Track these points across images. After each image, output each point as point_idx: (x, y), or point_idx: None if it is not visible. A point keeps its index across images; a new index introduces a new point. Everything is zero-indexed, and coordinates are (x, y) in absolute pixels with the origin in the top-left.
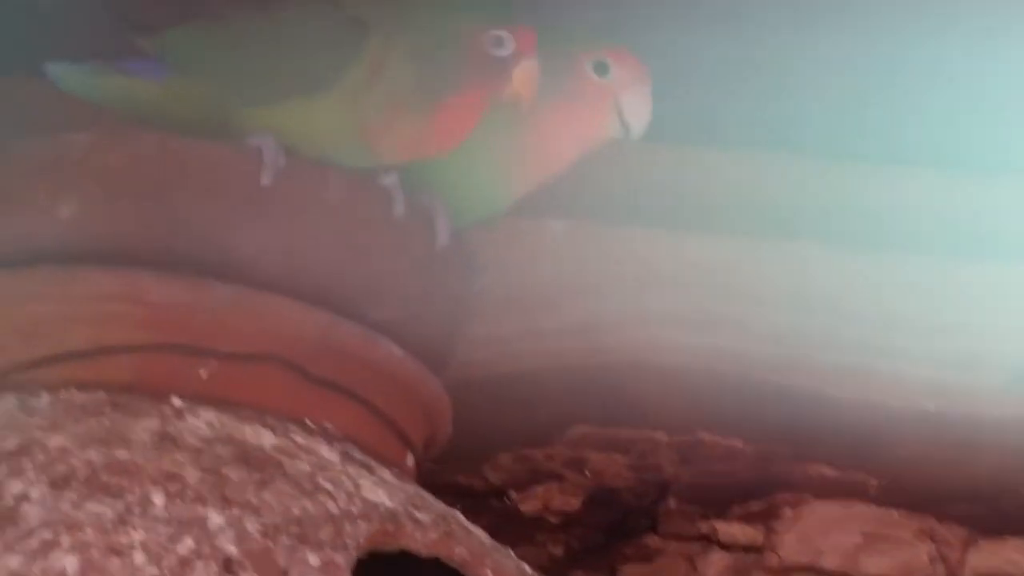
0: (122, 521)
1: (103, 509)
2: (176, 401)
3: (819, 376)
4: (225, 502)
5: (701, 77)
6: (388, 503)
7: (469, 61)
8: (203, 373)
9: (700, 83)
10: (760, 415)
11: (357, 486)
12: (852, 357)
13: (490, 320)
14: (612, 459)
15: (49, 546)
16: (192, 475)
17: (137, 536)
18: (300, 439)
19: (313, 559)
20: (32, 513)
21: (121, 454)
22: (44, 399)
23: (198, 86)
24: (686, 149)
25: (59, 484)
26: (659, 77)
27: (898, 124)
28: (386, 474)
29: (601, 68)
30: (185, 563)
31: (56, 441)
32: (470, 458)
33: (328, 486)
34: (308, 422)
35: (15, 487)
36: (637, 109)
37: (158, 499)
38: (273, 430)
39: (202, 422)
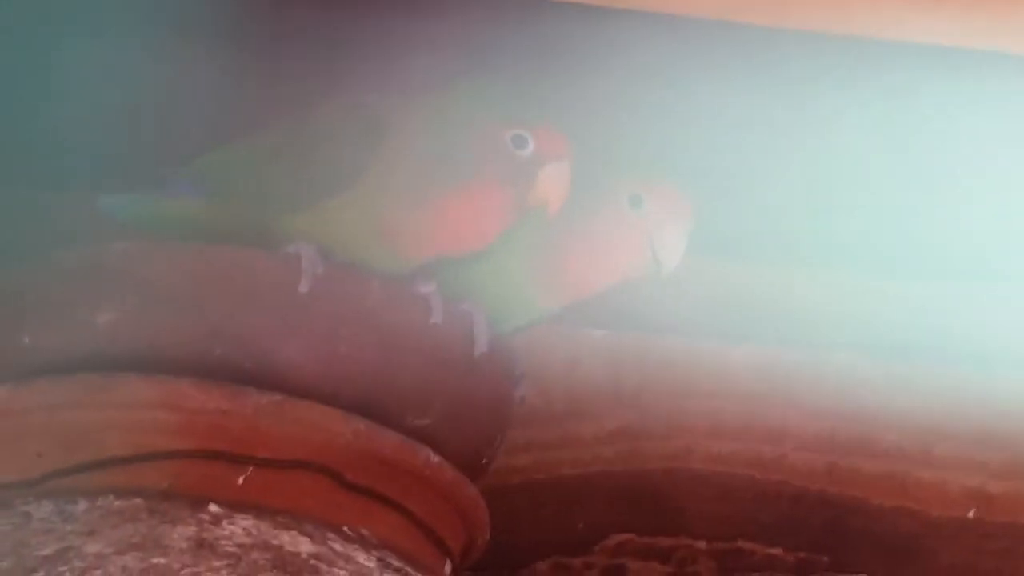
0: None
1: None
2: (213, 507)
3: (859, 484)
4: None
5: (742, 194)
6: None
7: (487, 158)
8: (240, 480)
9: (742, 199)
10: (800, 523)
11: None
12: (892, 465)
13: (529, 427)
14: (652, 567)
15: None
16: None
17: None
18: (337, 546)
19: None
20: None
21: (158, 560)
22: (82, 505)
23: (235, 201)
24: (728, 261)
25: None
26: (701, 194)
27: (937, 240)
28: None
29: (636, 201)
30: None
31: (93, 547)
32: (508, 566)
33: None
34: (346, 529)
35: None
36: (670, 246)
37: None
38: (310, 537)
39: (239, 528)
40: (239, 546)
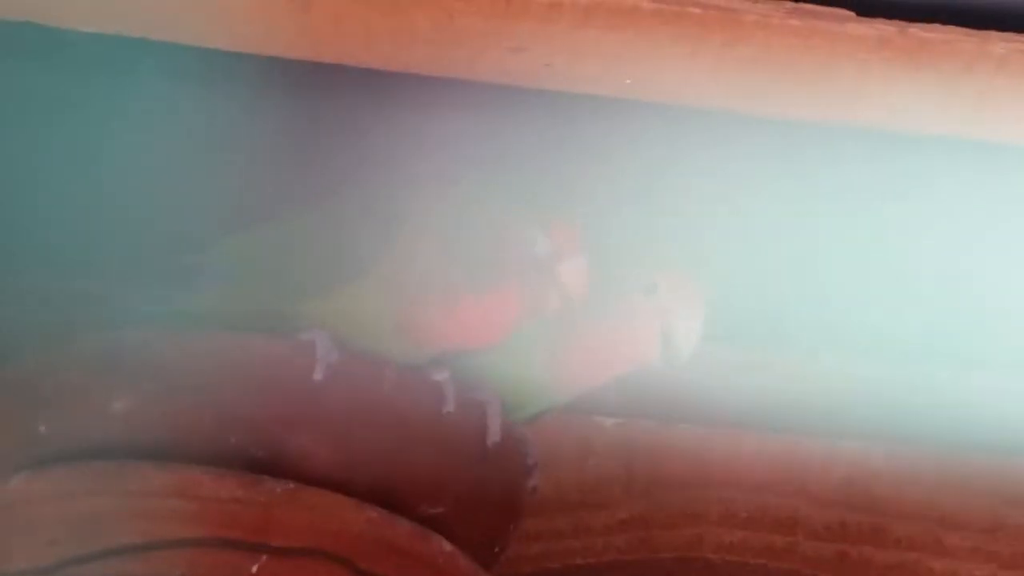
0: None
1: None
2: None
3: (870, 574)
4: None
5: (755, 282)
6: None
7: (502, 256)
8: (254, 568)
9: (754, 287)
10: None
11: None
12: (903, 555)
13: (541, 516)
14: None
15: None
16: None
17: None
18: None
19: None
20: None
21: None
22: None
23: (252, 286)
24: (740, 350)
25: None
26: (714, 282)
27: (950, 327)
28: None
29: (650, 289)
30: None
31: None
32: None
33: None
34: None
35: None
36: (685, 334)
37: None
38: None
39: None
40: None
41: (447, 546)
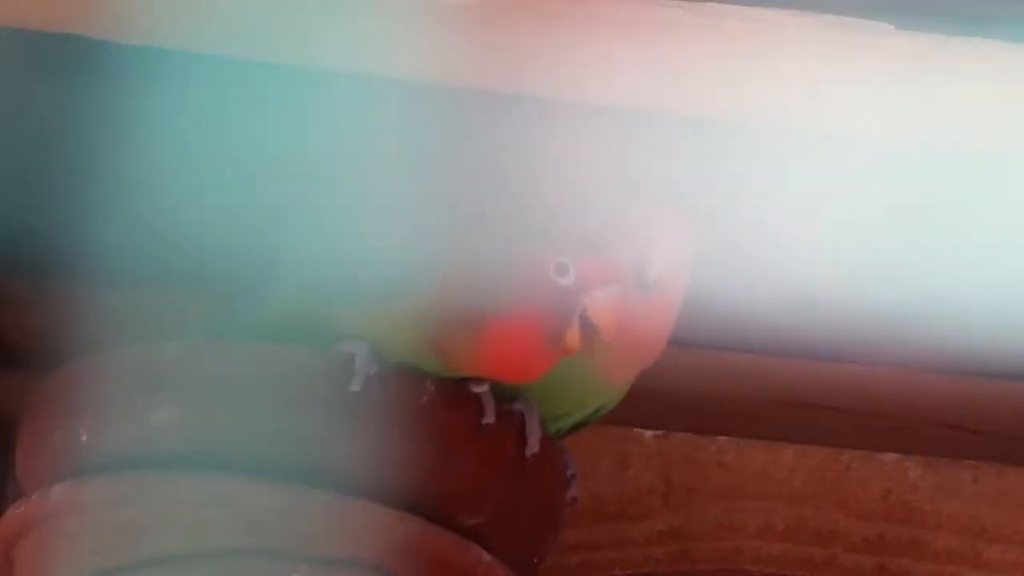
0: None
1: None
2: None
3: None
4: None
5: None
6: None
7: (527, 286)
8: None
9: (793, 299)
10: None
11: None
12: (942, 567)
13: (579, 527)
14: None
15: None
16: None
17: None
18: None
19: None
20: None
21: None
22: None
23: (298, 288)
24: (777, 360)
25: None
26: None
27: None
28: None
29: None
30: None
31: None
32: None
33: None
34: None
35: None
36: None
37: None
38: None
39: None
40: None
41: (486, 556)
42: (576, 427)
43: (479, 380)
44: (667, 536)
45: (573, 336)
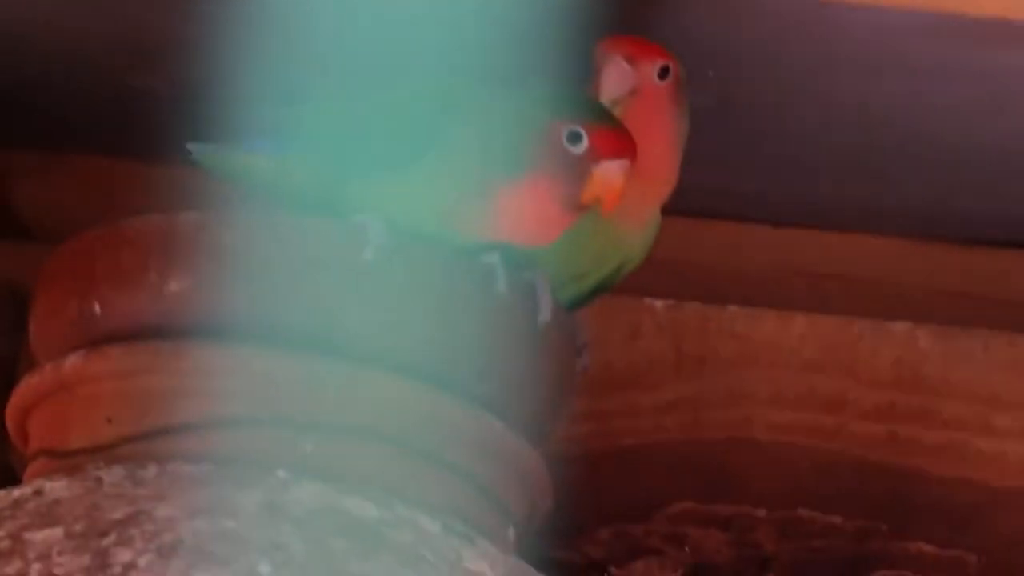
0: None
1: None
2: (281, 473)
3: (919, 454)
4: (330, 572)
5: (807, 159)
6: (490, 574)
7: (538, 151)
8: (308, 446)
9: (805, 163)
10: (860, 492)
11: (459, 557)
12: (952, 435)
13: (590, 396)
14: (712, 535)
15: None
16: (297, 545)
17: None
18: (402, 511)
19: None
20: None
21: (228, 524)
22: (152, 470)
23: (308, 159)
24: (789, 229)
25: (166, 553)
26: (762, 158)
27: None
28: (488, 546)
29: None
30: None
31: (164, 511)
32: (569, 533)
33: (431, 557)
34: (410, 494)
35: (123, 556)
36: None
37: (264, 568)
38: (376, 502)
39: (306, 494)
40: (307, 510)
41: (498, 424)
42: (596, 291)
43: (490, 250)
44: (678, 405)
45: (585, 198)
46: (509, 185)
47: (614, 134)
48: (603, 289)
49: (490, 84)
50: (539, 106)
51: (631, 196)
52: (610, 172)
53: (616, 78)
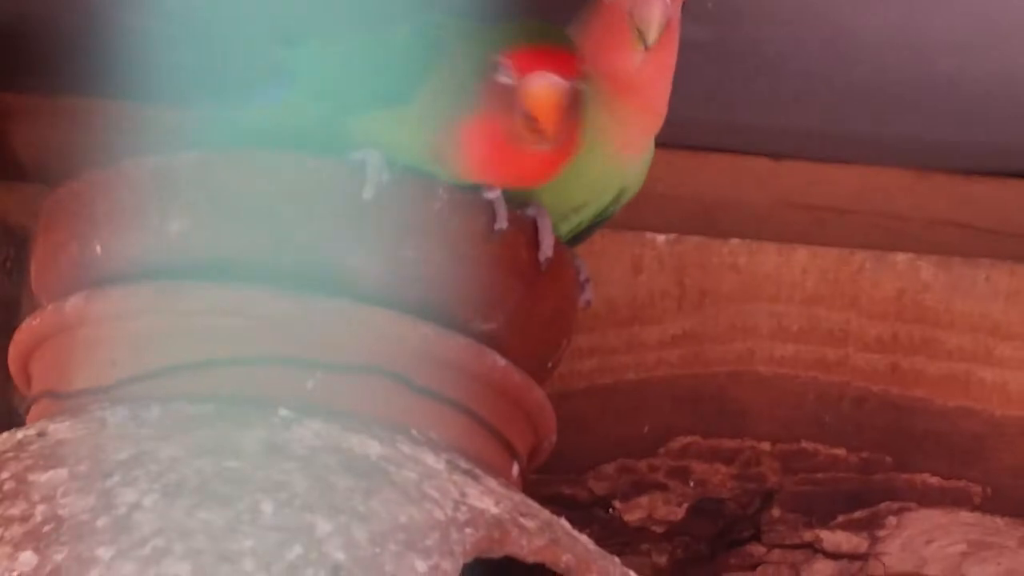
0: (232, 529)
1: (214, 517)
2: (283, 412)
3: (921, 385)
4: (333, 510)
5: (806, 91)
6: (494, 510)
7: (481, 88)
8: (309, 384)
9: (803, 96)
10: (863, 424)
11: (463, 494)
12: (955, 365)
13: (593, 332)
14: (716, 469)
15: (162, 553)
16: (300, 484)
17: (247, 543)
18: (406, 448)
19: (420, 565)
20: (145, 521)
21: (231, 463)
22: (155, 411)
23: (309, 98)
24: (790, 162)
25: (171, 493)
26: (761, 91)
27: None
28: (492, 483)
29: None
30: (294, 569)
31: (167, 451)
32: (573, 469)
33: (434, 494)
34: (414, 432)
35: (128, 496)
36: (646, 15)
37: (267, 507)
38: (379, 440)
39: (309, 432)
40: (309, 449)
41: (501, 361)
42: (596, 223)
43: (491, 187)
44: (680, 339)
45: (520, 132)
46: (467, 124)
47: (535, 52)
48: (602, 220)
49: (474, 23)
50: (485, 42)
51: (633, 125)
52: (533, 88)
53: (661, 8)
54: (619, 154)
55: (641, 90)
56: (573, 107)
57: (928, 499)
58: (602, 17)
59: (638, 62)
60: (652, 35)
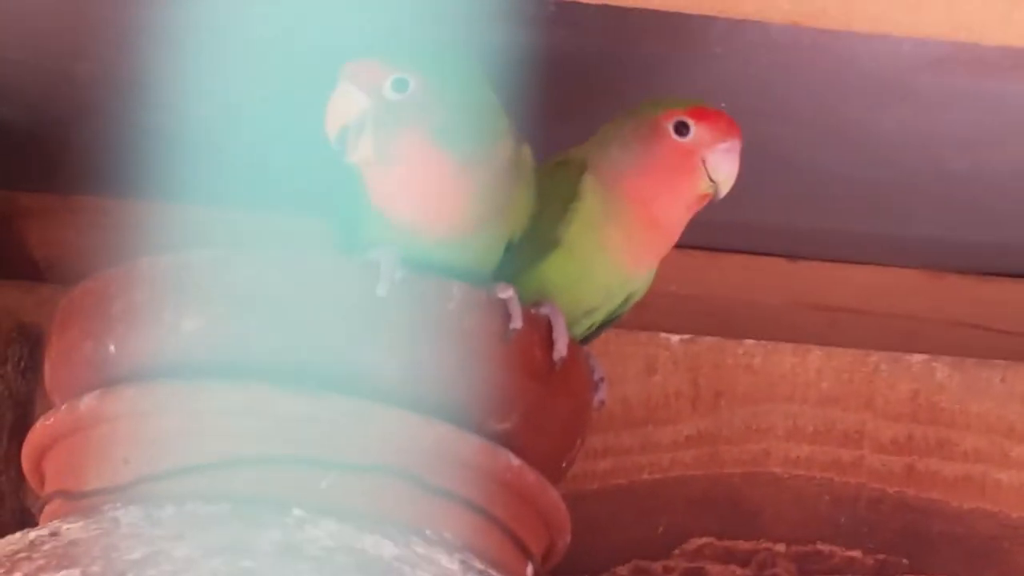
0: None
1: None
2: (297, 511)
3: (937, 486)
4: None
5: (820, 191)
6: None
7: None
8: (324, 484)
9: (817, 196)
10: (879, 525)
11: None
12: (970, 467)
13: (607, 432)
14: (731, 571)
15: None
16: None
17: None
18: (420, 549)
19: None
20: None
21: (245, 563)
22: (169, 510)
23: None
24: (806, 262)
25: None
26: (775, 191)
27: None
28: None
29: (682, 128)
30: None
31: (182, 551)
32: (588, 570)
33: None
34: (428, 532)
35: None
36: (722, 167)
37: None
38: (393, 540)
39: (323, 532)
40: (324, 549)
41: (515, 461)
42: (606, 324)
43: (504, 286)
44: (695, 440)
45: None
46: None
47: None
48: (612, 321)
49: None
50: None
51: (646, 245)
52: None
53: (738, 162)
54: (629, 267)
55: (662, 220)
56: None
57: None
58: (665, 152)
59: (693, 204)
60: (727, 189)
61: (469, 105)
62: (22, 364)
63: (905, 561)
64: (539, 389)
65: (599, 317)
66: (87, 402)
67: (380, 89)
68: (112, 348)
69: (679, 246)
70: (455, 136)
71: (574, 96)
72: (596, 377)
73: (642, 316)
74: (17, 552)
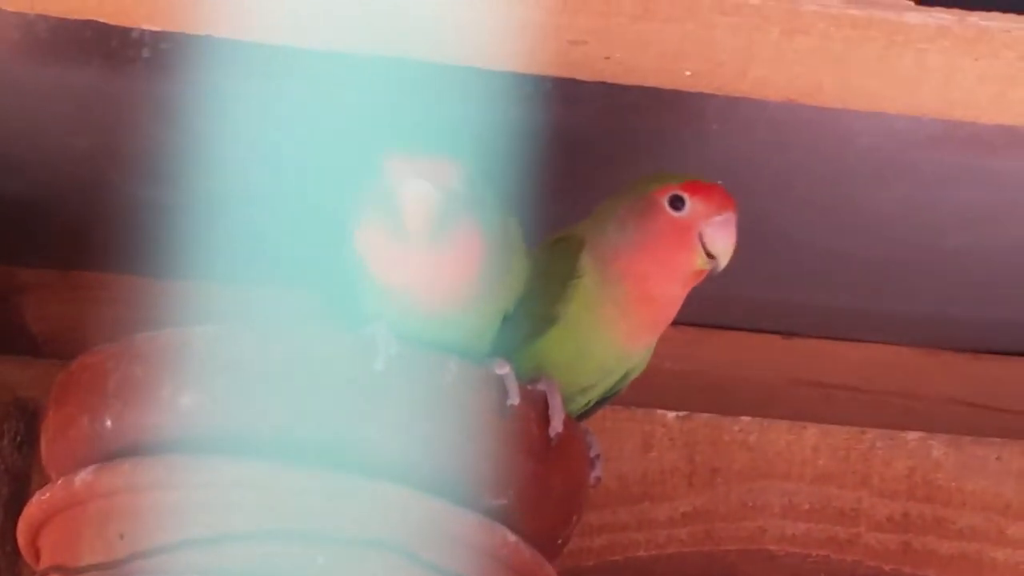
0: None
1: None
2: None
3: (933, 564)
4: None
5: (815, 268)
6: None
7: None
8: (320, 559)
9: (813, 273)
10: None
11: None
12: (966, 545)
13: (604, 508)
14: None
15: None
16: None
17: None
18: None
19: None
20: None
21: None
22: None
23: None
24: (801, 339)
25: None
26: (771, 268)
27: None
28: None
29: (677, 203)
30: None
31: None
32: None
33: None
34: None
35: None
36: (719, 240)
37: None
38: None
39: None
40: None
41: (511, 537)
42: (604, 400)
43: (501, 362)
44: (691, 517)
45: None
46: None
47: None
48: (609, 398)
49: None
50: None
51: (643, 326)
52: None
53: (736, 235)
54: (625, 345)
55: (659, 297)
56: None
57: None
58: (661, 227)
59: (690, 280)
60: (726, 261)
61: (490, 189)
62: (18, 439)
63: None
64: (535, 465)
65: (596, 394)
66: (83, 477)
67: (450, 182)
68: (108, 423)
69: (675, 322)
70: (492, 220)
71: (572, 173)
72: (592, 453)
73: (638, 392)
74: None
